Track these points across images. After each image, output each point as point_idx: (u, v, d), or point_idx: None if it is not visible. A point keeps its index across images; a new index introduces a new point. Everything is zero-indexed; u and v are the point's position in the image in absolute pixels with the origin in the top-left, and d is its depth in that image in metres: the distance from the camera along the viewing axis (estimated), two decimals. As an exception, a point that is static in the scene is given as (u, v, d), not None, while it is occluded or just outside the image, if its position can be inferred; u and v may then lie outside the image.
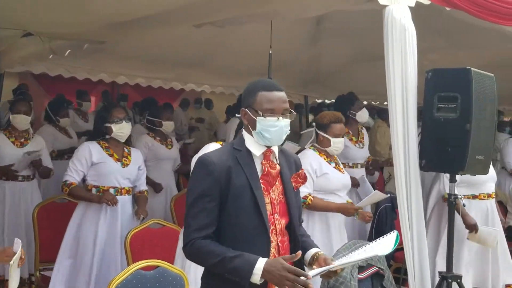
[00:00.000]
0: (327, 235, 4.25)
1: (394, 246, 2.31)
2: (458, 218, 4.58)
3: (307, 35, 7.10)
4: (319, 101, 12.12)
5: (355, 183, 5.57)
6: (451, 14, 4.64)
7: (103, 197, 4.43)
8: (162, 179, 6.01)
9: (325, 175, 4.22)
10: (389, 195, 4.90)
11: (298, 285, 2.21)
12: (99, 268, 4.41)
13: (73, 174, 4.49)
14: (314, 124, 4.51)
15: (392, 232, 2.40)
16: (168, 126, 6.15)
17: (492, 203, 4.96)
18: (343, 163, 5.87)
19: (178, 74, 8.76)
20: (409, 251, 3.95)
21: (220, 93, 10.65)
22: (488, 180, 4.81)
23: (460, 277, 4.09)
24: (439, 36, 6.35)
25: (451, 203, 4.11)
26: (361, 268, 3.79)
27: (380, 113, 10.33)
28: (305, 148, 4.52)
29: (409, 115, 3.97)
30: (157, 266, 3.13)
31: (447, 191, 4.53)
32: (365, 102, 11.88)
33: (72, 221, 4.56)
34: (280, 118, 2.43)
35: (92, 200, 4.49)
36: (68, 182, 4.47)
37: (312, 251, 2.55)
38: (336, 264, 2.33)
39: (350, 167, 5.89)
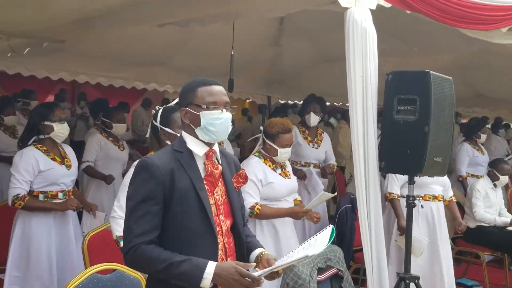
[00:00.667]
0: (276, 241, 4.20)
1: (329, 241, 2.27)
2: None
3: (270, 35, 7.12)
4: (283, 101, 12.15)
5: (301, 175, 5.58)
6: (411, 18, 4.69)
7: (68, 204, 4.35)
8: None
9: (270, 184, 4.17)
10: (336, 193, 4.91)
11: None
12: (57, 276, 4.32)
13: (23, 185, 4.25)
14: (262, 130, 4.45)
15: (328, 226, 2.37)
16: (118, 128, 6.04)
17: (439, 206, 5.00)
18: (294, 161, 5.93)
19: (140, 74, 8.68)
20: (368, 251, 3.98)
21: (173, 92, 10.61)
22: (434, 182, 4.85)
23: (417, 278, 4.13)
24: (400, 39, 6.43)
25: (410, 205, 4.15)
26: (320, 270, 3.80)
27: (343, 115, 10.41)
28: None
29: (369, 117, 3.99)
30: (114, 270, 3.08)
31: (389, 190, 4.60)
32: (327, 103, 12.00)
33: (16, 232, 4.36)
34: (224, 110, 2.42)
35: (54, 209, 4.36)
36: (20, 195, 4.23)
37: (257, 252, 2.53)
38: (277, 264, 2.29)
39: (302, 165, 5.92)
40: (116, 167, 6.05)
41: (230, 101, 2.49)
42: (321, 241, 2.30)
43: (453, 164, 8.47)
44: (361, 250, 4.04)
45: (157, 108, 3.55)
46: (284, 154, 4.28)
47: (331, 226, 2.37)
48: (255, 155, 4.33)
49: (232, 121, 2.58)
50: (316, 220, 4.33)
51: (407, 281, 4.06)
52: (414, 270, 4.38)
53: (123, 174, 6.10)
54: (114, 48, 6.82)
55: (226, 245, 2.42)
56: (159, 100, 12.88)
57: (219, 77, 7.55)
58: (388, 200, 4.82)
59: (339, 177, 8.18)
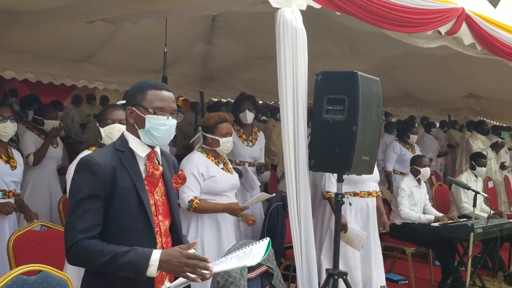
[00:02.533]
0: (218, 235, 4.25)
1: (265, 253, 2.31)
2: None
3: (202, 32, 7.12)
4: (216, 99, 12.13)
5: (238, 173, 5.58)
6: (340, 20, 4.79)
7: (5, 207, 4.30)
8: (45, 178, 5.78)
9: (213, 177, 4.21)
10: (274, 194, 4.97)
11: (198, 270, 2.20)
12: None
13: None
14: (200, 128, 4.48)
15: (264, 239, 2.40)
16: (50, 125, 5.88)
17: (372, 201, 5.15)
18: (229, 160, 5.95)
19: (69, 70, 8.46)
20: (298, 248, 4.05)
21: (114, 90, 10.40)
22: (369, 179, 4.99)
23: (345, 273, 4.23)
24: (330, 41, 6.55)
25: (338, 202, 4.24)
26: (250, 268, 3.82)
27: (275, 113, 10.51)
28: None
29: (299, 116, 4.05)
30: (40, 271, 3.00)
31: (327, 189, 4.70)
32: (260, 102, 12.08)
33: None
34: (170, 117, 2.43)
35: None
36: None
37: None
38: (214, 269, 2.29)
39: (237, 164, 5.96)
40: (50, 164, 5.89)
41: (176, 107, 2.50)
42: (257, 251, 2.33)
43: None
44: (292, 247, 4.10)
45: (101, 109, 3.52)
46: (226, 143, 4.33)
47: (268, 238, 2.40)
48: (197, 151, 4.36)
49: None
50: (251, 223, 4.39)
51: (336, 277, 4.15)
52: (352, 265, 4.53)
53: (58, 171, 5.98)
54: (42, 44, 6.65)
55: (164, 245, 2.43)
56: (89, 97, 12.66)
57: (150, 74, 7.52)
58: (326, 199, 4.90)
59: (271, 175, 8.24)
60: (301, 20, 4.04)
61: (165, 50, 5.85)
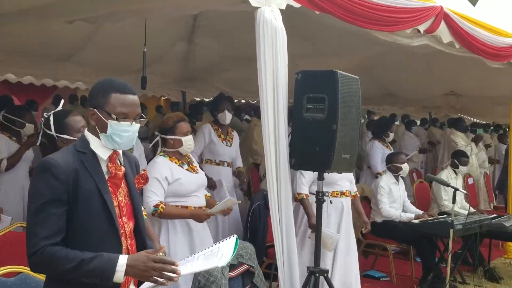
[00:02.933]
0: (189, 237, 4.19)
1: (234, 252, 2.29)
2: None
3: (183, 32, 7.10)
4: (198, 99, 12.10)
5: (211, 185, 5.58)
6: (320, 20, 4.81)
7: None
8: (18, 181, 5.69)
9: (178, 180, 4.14)
10: (240, 201, 4.93)
11: (165, 273, 2.17)
12: None
13: None
14: (157, 132, 4.39)
15: (232, 236, 2.38)
16: (29, 129, 5.80)
17: (347, 201, 5.13)
18: (209, 160, 5.97)
19: (50, 70, 8.40)
20: (279, 247, 4.06)
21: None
22: (341, 178, 4.97)
23: (326, 271, 4.25)
24: (310, 41, 6.57)
25: (319, 201, 4.26)
26: (232, 267, 3.84)
27: (256, 112, 10.51)
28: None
29: (279, 115, 4.07)
30: (19, 272, 2.98)
31: (298, 191, 4.70)
32: (243, 101, 12.10)
33: None
34: (133, 123, 2.36)
35: None
36: None
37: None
38: (182, 272, 2.24)
39: (217, 164, 5.96)
40: (23, 167, 5.82)
41: (140, 111, 2.42)
42: (225, 250, 2.30)
43: (365, 160, 8.81)
44: (273, 245, 4.11)
45: (45, 116, 3.42)
46: (188, 142, 4.26)
47: (235, 236, 2.37)
48: (160, 155, 4.28)
49: (147, 122, 2.55)
50: (228, 211, 4.29)
51: (317, 275, 4.17)
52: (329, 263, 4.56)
53: (30, 173, 5.91)
54: (22, 44, 6.58)
55: (129, 247, 2.39)
56: (72, 98, 12.57)
57: (131, 74, 7.48)
58: (298, 201, 4.87)
59: (253, 174, 8.26)
60: (280, 19, 4.05)
61: (145, 50, 5.82)
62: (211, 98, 12.23)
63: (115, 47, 6.98)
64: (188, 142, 4.28)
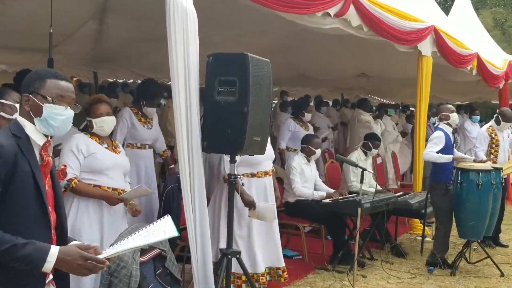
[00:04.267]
0: (100, 217, 4.10)
1: (175, 230, 2.35)
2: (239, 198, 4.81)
3: (93, 11, 6.89)
4: (111, 80, 11.81)
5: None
6: (232, 1, 4.81)
7: None
8: None
9: (93, 154, 4.07)
10: (151, 191, 4.90)
11: (96, 270, 2.20)
12: None
13: None
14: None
15: (166, 216, 2.41)
16: None
17: (270, 180, 5.24)
18: (130, 144, 5.87)
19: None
20: (192, 229, 4.08)
21: (1, 71, 9.97)
22: (266, 159, 5.07)
23: (239, 252, 4.31)
24: (222, 22, 6.55)
25: (231, 183, 4.30)
26: (143, 251, 3.80)
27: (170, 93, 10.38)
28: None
29: (191, 98, 4.07)
30: None
31: (228, 171, 4.73)
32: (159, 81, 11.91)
33: None
34: (68, 108, 2.39)
35: None
36: None
37: (73, 244, 2.45)
38: (105, 255, 2.26)
39: (139, 147, 5.89)
40: None
41: (75, 99, 2.45)
42: (164, 226, 2.35)
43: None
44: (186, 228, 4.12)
45: None
46: (100, 124, 4.15)
47: (168, 216, 2.41)
48: (82, 132, 4.24)
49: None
50: (136, 213, 4.21)
51: (229, 256, 4.22)
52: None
53: None
54: None
55: (52, 237, 2.37)
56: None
57: (39, 54, 7.17)
58: (227, 182, 4.89)
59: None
60: (191, 1, 4.03)
61: (51, 31, 5.60)
62: (125, 79, 12.03)
63: (21, 28, 6.70)
64: (99, 124, 4.16)
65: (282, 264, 5.28)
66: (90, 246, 2.27)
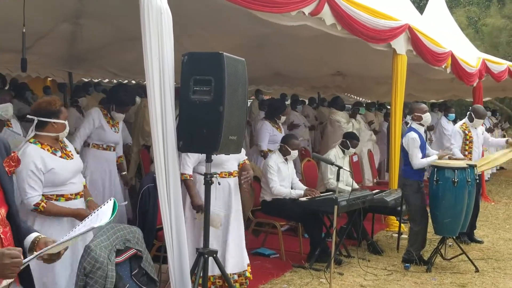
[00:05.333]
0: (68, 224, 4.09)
1: (113, 214, 2.26)
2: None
3: (67, 12, 6.82)
4: (86, 80, 11.72)
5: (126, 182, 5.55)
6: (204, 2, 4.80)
7: None
8: None
9: (52, 170, 3.96)
10: (126, 202, 4.85)
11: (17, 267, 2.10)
12: None
13: None
14: (30, 116, 4.11)
15: (109, 199, 2.35)
16: None
17: (234, 181, 5.14)
18: (96, 144, 5.84)
19: None
20: (168, 229, 4.06)
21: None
22: (230, 159, 5.01)
23: (215, 252, 4.30)
24: (197, 21, 6.54)
25: (207, 182, 4.28)
26: (119, 252, 3.78)
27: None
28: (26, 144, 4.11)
29: (166, 97, 4.04)
30: None
31: (182, 171, 4.68)
32: (133, 82, 11.85)
33: None
34: None
35: None
36: None
37: (32, 236, 2.42)
38: (54, 244, 2.20)
39: (104, 149, 5.88)
40: None
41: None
42: (104, 214, 2.27)
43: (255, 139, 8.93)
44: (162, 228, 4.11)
45: None
46: (66, 128, 4.12)
47: (113, 199, 2.35)
48: (30, 142, 4.03)
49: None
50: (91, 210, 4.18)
51: (206, 256, 4.21)
52: (212, 243, 4.59)
53: None
54: None
55: (2, 235, 2.28)
56: None
57: (10, 54, 7.09)
58: (182, 180, 4.84)
59: (144, 156, 8.16)
60: (165, 0, 4.01)
61: (24, 30, 5.52)
62: (100, 79, 11.95)
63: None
64: (66, 128, 4.14)
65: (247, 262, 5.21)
66: (18, 248, 2.15)
